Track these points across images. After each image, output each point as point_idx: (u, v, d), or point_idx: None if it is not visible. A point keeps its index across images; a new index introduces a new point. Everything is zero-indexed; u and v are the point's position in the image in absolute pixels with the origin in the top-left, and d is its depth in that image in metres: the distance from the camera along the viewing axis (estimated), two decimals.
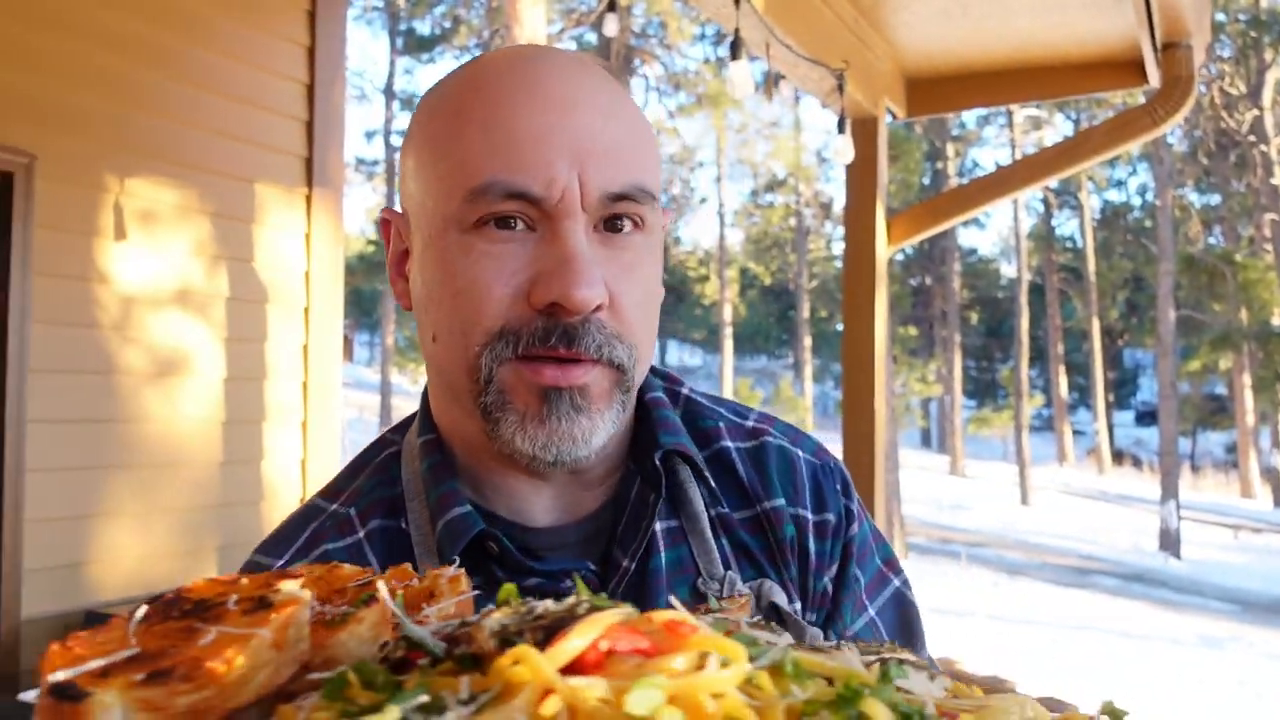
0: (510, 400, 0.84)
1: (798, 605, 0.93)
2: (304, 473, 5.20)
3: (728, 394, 16.62)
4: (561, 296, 0.79)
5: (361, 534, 0.94)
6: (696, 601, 0.88)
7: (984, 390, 40.63)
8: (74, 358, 4.20)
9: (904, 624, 0.99)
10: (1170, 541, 18.54)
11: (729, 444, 0.98)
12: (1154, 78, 4.45)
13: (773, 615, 0.89)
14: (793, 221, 33.48)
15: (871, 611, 0.97)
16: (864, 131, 4.56)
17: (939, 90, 4.86)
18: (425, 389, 0.98)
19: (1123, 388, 42.24)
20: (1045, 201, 32.28)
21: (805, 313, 32.24)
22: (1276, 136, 24.81)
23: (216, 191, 4.78)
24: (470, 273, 0.83)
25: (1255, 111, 23.92)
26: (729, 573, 0.91)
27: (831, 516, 0.96)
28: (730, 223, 36.24)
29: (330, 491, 0.99)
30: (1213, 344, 26.63)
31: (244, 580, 0.56)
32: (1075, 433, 36.22)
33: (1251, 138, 24.49)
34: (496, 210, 0.81)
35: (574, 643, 0.45)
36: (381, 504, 0.95)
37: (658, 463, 0.91)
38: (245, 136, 4.89)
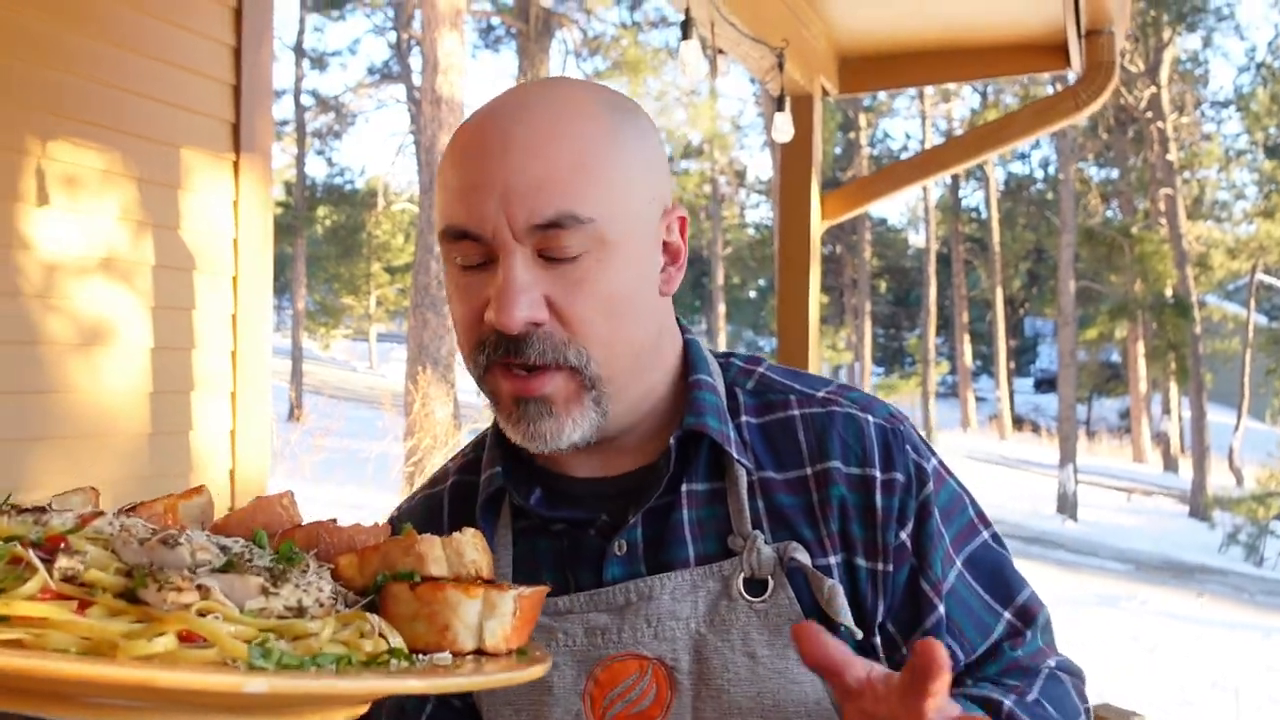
0: (498, 400, 1.00)
1: (831, 560, 1.01)
2: (233, 443, 5.11)
3: None
4: (494, 320, 0.93)
5: (446, 485, 1.16)
6: (724, 555, 1.00)
7: (892, 358, 41.49)
8: None
9: (993, 571, 1.06)
10: (1068, 504, 19.24)
11: (795, 412, 1.06)
12: (1076, 64, 4.61)
13: (795, 571, 0.99)
14: (707, 189, 33.62)
15: (959, 563, 1.04)
16: (800, 109, 4.63)
17: (870, 69, 4.96)
18: None
19: (1023, 355, 43.52)
20: (953, 174, 32.91)
21: (720, 279, 32.48)
22: (1172, 113, 25.71)
23: (141, 156, 4.64)
24: (453, 301, 0.99)
25: (1153, 89, 24.72)
26: (756, 531, 1.00)
27: (900, 475, 1.02)
28: None
29: (455, 454, 1.21)
30: (1110, 314, 27.61)
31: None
32: (978, 399, 37.24)
33: (1149, 114, 25.32)
34: (457, 249, 0.95)
35: None
36: (468, 464, 1.16)
37: (671, 442, 1.01)
38: (171, 100, 4.76)
